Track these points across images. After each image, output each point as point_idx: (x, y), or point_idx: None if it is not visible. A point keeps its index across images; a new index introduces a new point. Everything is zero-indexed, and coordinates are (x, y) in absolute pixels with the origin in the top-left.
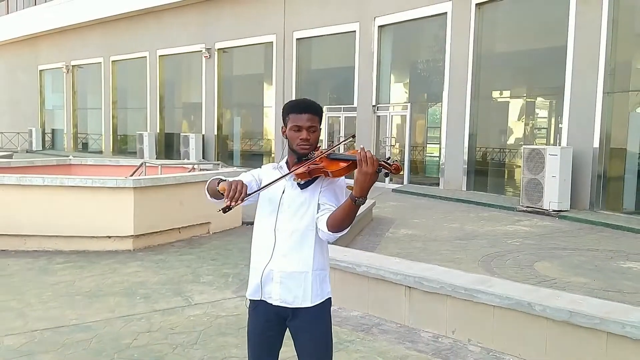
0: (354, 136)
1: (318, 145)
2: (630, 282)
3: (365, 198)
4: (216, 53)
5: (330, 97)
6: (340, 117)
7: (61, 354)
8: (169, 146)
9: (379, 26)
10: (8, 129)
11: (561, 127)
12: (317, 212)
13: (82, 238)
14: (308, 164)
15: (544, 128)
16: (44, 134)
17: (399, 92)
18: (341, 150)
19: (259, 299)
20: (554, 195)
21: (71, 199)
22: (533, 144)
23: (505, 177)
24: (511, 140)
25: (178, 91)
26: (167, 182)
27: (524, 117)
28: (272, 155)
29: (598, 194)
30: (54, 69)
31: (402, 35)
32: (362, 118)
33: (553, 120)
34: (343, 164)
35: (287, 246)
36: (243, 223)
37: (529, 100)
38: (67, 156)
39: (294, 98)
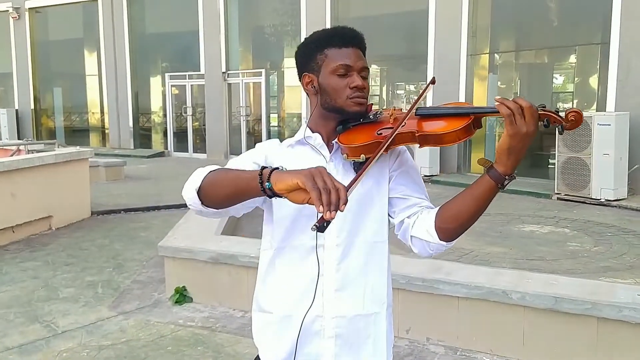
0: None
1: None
2: (544, 247)
3: (515, 176)
4: (27, 13)
5: (172, 65)
6: (186, 85)
7: None
8: None
9: None
10: None
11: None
12: (394, 211)
13: None
14: (390, 127)
15: (410, 92)
16: None
17: (250, 57)
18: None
19: None
20: (425, 161)
21: None
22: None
23: None
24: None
25: None
26: None
27: (380, 82)
28: (106, 130)
29: (465, 156)
30: None
31: None
32: (211, 86)
33: (416, 85)
34: (460, 122)
35: (345, 273)
36: (93, 213)
37: (392, 64)
38: None
39: (128, 65)
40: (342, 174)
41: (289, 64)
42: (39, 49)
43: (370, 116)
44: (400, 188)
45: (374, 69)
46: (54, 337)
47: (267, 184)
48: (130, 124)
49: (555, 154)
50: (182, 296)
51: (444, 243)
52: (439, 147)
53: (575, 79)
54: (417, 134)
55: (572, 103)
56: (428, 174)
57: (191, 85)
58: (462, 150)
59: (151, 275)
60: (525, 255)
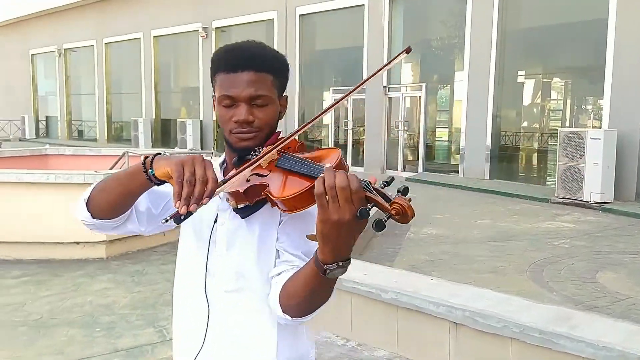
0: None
1: (278, 131)
2: None
3: (347, 262)
4: (214, 32)
5: (336, 79)
6: (347, 100)
7: None
8: (165, 133)
9: None
10: (1, 117)
11: (601, 108)
12: (275, 263)
13: (45, 244)
14: (247, 173)
15: (583, 109)
16: (37, 121)
17: (412, 72)
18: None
19: None
20: (596, 185)
21: (30, 198)
22: (572, 127)
23: (535, 163)
24: (542, 123)
25: (175, 74)
26: None
27: (557, 97)
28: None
29: None
30: (46, 52)
31: (416, 9)
32: (372, 100)
33: (594, 100)
34: (304, 184)
35: (231, 322)
36: None
37: (563, 78)
38: (45, 146)
39: (296, 80)
40: (225, 213)
41: (458, 78)
42: None
43: (252, 154)
44: (282, 238)
45: (557, 82)
46: (162, 343)
47: (150, 170)
48: (295, 136)
49: None
50: None
51: (289, 318)
52: (586, 168)
53: None
54: (266, 189)
55: None
56: (599, 201)
57: (353, 99)
58: None
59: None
60: None
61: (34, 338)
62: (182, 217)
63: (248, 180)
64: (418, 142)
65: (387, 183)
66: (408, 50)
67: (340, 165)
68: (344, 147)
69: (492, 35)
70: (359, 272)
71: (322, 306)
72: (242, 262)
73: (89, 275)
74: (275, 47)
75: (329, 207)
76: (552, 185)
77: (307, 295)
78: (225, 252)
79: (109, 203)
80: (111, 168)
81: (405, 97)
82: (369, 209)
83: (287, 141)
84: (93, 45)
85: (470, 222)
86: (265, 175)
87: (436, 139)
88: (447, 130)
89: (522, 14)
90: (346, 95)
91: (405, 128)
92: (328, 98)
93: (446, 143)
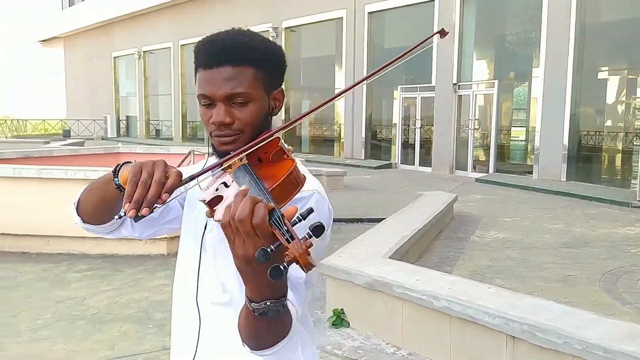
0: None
1: (267, 129)
2: None
3: (279, 300)
4: (283, 32)
5: (406, 77)
6: (416, 98)
7: None
8: None
9: None
10: (87, 116)
11: None
12: None
13: (110, 240)
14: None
15: None
16: (118, 121)
17: (487, 69)
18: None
19: None
20: None
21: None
22: None
23: (616, 165)
24: (627, 122)
25: None
26: None
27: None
28: (342, 140)
29: None
30: (127, 55)
31: (489, 3)
32: (441, 98)
33: None
34: None
35: (221, 334)
36: None
37: None
38: (117, 144)
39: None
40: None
41: (534, 74)
42: (292, 65)
43: (223, 164)
44: None
45: None
46: None
47: (115, 179)
48: (363, 135)
49: None
50: (339, 319)
51: (248, 349)
52: None
53: None
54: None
55: None
56: None
57: (421, 97)
58: None
59: (324, 291)
60: None
61: (89, 332)
62: (139, 216)
63: (217, 190)
64: (489, 141)
65: (303, 217)
66: (442, 33)
67: (285, 184)
68: (411, 147)
69: (571, 29)
70: (411, 277)
71: (281, 342)
72: (225, 274)
73: (148, 271)
74: (344, 45)
75: (235, 241)
76: (635, 189)
77: (251, 331)
78: (213, 261)
79: (91, 209)
80: (179, 165)
81: (476, 95)
82: (273, 250)
83: (256, 147)
84: (170, 48)
85: (542, 226)
86: (228, 187)
87: (511, 139)
88: (522, 129)
89: (603, 6)
90: (363, 80)
91: (476, 127)
92: (398, 97)
93: (520, 143)
